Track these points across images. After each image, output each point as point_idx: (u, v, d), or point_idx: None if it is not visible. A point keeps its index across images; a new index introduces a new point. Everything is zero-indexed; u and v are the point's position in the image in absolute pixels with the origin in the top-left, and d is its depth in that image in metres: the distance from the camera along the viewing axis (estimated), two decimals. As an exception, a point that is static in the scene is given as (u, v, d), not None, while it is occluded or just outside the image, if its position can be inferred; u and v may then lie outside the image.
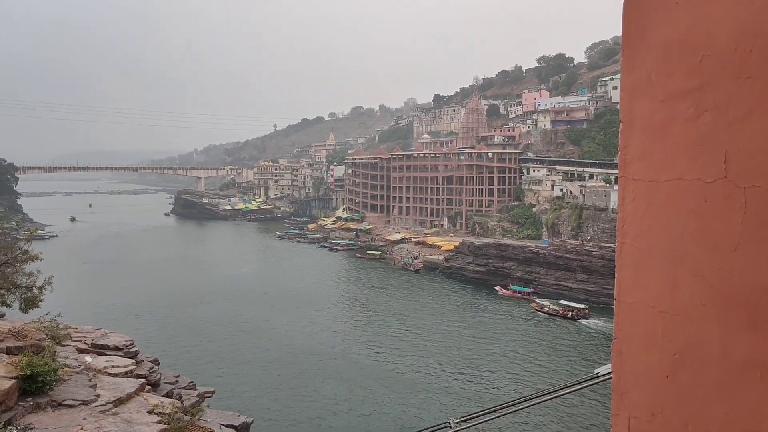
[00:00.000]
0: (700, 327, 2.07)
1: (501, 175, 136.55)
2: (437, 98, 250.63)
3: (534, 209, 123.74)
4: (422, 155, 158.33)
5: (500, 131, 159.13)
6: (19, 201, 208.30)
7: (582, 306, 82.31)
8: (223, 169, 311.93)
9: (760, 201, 1.87)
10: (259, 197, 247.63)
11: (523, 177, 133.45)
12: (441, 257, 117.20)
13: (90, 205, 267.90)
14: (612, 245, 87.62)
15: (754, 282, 1.88)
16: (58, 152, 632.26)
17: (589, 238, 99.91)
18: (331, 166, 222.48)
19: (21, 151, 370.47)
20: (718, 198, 1.99)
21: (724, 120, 1.98)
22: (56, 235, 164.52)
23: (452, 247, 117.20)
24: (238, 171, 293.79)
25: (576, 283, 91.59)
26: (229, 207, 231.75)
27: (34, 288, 34.56)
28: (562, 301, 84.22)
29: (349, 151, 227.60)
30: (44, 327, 38.29)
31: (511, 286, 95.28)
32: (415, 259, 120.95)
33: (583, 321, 78.77)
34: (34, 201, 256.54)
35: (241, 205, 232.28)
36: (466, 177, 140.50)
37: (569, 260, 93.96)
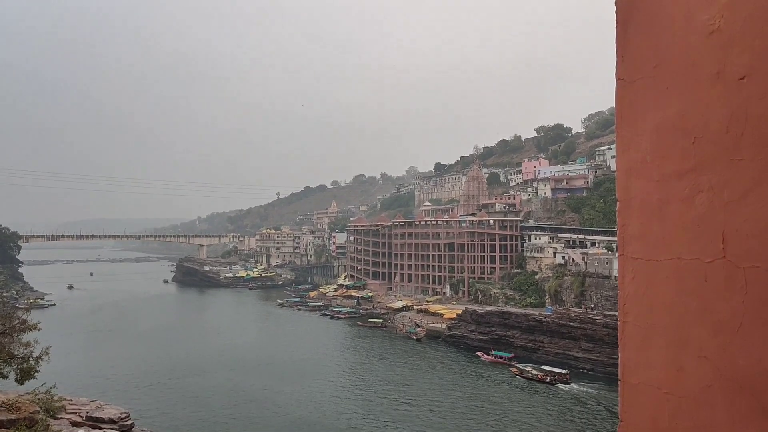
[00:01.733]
0: (708, 411, 2.00)
1: (502, 243, 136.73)
2: (438, 167, 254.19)
3: (536, 276, 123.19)
4: (424, 222, 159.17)
5: (501, 199, 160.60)
6: (20, 269, 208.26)
7: (563, 371, 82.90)
8: (226, 236, 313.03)
9: (761, 281, 1.85)
10: (261, 265, 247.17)
11: (525, 244, 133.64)
12: (443, 325, 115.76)
13: (91, 274, 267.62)
14: (617, 314, 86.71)
15: (759, 365, 1.83)
16: (62, 220, 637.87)
17: (592, 306, 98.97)
18: (333, 234, 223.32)
19: (25, 220, 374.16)
20: (718, 278, 1.97)
21: (720, 201, 1.98)
22: (54, 304, 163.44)
23: (455, 315, 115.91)
24: (241, 239, 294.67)
25: (581, 352, 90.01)
26: (230, 274, 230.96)
27: (30, 359, 34.19)
28: (543, 366, 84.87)
29: (351, 219, 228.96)
30: (39, 399, 37.60)
31: (493, 352, 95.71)
32: (418, 327, 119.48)
33: (561, 386, 79.18)
34: (36, 269, 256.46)
35: (242, 273, 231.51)
36: (468, 244, 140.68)
37: (573, 329, 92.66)
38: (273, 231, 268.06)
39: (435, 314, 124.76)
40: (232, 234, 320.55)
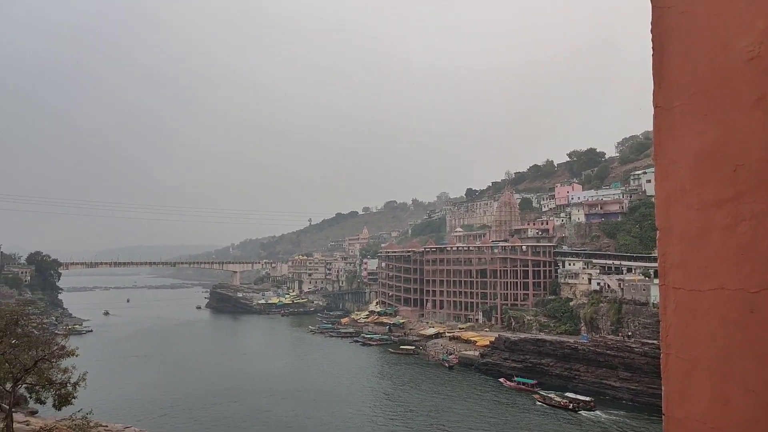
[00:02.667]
0: None
1: (536, 269, 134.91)
2: (469, 192, 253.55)
3: (571, 303, 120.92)
4: (455, 248, 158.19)
5: (533, 224, 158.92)
6: (60, 296, 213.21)
7: (587, 398, 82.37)
8: (258, 263, 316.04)
9: None
10: (293, 291, 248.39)
11: (559, 270, 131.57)
12: (476, 353, 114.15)
13: (128, 300, 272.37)
14: (655, 341, 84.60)
15: None
16: (100, 247, 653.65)
17: (630, 333, 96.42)
18: (365, 260, 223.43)
19: (65, 247, 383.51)
20: (765, 309, 1.91)
21: (764, 229, 1.92)
22: (92, 330, 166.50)
23: (488, 343, 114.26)
24: (273, 265, 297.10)
25: (618, 381, 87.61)
26: (263, 301, 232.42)
27: (68, 384, 34.87)
28: (567, 394, 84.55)
29: (383, 245, 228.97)
30: (75, 425, 38.19)
31: (515, 378, 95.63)
32: (450, 354, 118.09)
33: (585, 413, 78.47)
34: (74, 296, 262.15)
35: (274, 299, 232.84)
36: (500, 270, 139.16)
37: (610, 357, 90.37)
38: (305, 257, 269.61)
39: (467, 341, 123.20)
40: (264, 260, 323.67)
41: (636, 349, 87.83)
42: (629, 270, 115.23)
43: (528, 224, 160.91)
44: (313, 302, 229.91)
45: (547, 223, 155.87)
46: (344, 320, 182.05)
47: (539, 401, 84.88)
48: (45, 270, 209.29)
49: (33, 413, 40.71)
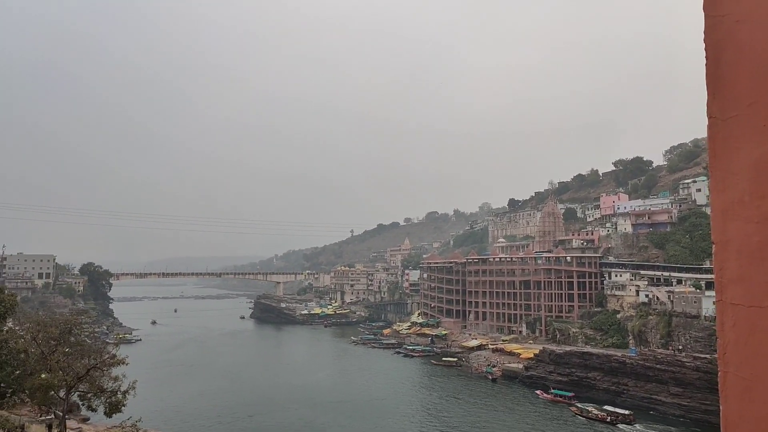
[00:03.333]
0: None
1: (581, 280, 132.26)
2: (512, 202, 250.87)
3: (618, 316, 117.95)
4: (498, 259, 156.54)
5: (578, 235, 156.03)
6: (111, 306, 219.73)
7: (626, 412, 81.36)
8: (301, 274, 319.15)
9: None
10: (336, 302, 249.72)
11: (605, 282, 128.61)
12: (520, 365, 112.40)
13: (175, 310, 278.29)
14: (708, 356, 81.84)
15: None
16: (149, 258, 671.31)
17: (681, 347, 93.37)
18: (407, 271, 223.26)
19: (116, 258, 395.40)
20: None
21: None
22: (140, 339, 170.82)
23: (532, 355, 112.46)
24: (316, 276, 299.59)
25: (669, 396, 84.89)
26: (305, 311, 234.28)
27: (118, 392, 35.86)
28: (606, 407, 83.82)
29: (424, 256, 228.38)
30: (125, 432, 39.00)
31: (552, 390, 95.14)
32: (494, 367, 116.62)
33: (623, 426, 77.78)
34: (124, 306, 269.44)
35: (317, 310, 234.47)
36: (545, 282, 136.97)
37: (660, 371, 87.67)
38: (347, 268, 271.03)
39: (511, 354, 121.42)
40: (307, 271, 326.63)
41: (687, 364, 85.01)
42: (679, 282, 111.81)
43: (572, 235, 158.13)
44: (355, 313, 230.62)
45: (592, 234, 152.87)
46: (386, 331, 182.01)
47: (576, 413, 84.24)
48: (97, 280, 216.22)
49: (85, 420, 42.00)
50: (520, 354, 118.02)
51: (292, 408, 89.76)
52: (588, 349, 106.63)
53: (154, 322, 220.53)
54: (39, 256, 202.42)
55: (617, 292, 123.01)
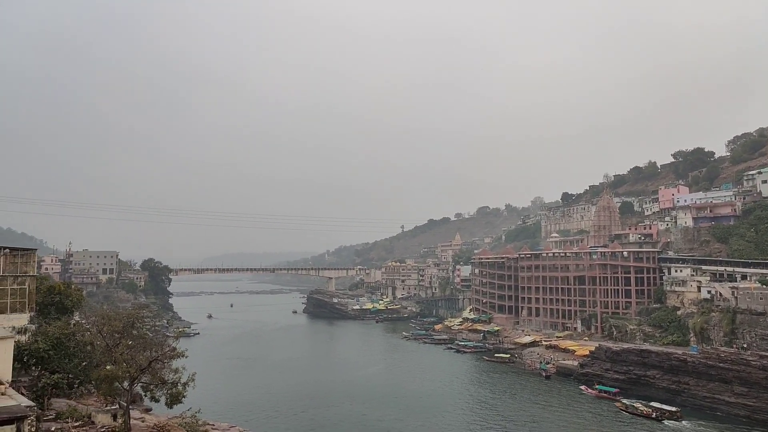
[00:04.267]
0: None
1: (638, 275, 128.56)
2: (565, 196, 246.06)
3: (678, 312, 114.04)
4: (552, 254, 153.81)
5: (635, 229, 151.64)
6: (170, 300, 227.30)
7: (673, 409, 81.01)
8: (353, 269, 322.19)
9: None
10: (387, 297, 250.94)
11: (664, 277, 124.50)
12: (575, 363, 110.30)
13: (231, 305, 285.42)
14: (775, 355, 78.27)
15: None
16: (206, 254, 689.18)
17: (745, 345, 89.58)
18: (458, 266, 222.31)
19: (174, 254, 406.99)
20: None
21: None
22: (199, 333, 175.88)
23: (587, 352, 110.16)
24: (367, 271, 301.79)
25: (733, 396, 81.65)
26: (357, 306, 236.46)
27: (179, 384, 37.05)
28: (653, 403, 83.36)
29: (476, 251, 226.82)
30: (185, 423, 40.51)
31: (596, 386, 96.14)
32: (548, 364, 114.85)
33: (668, 422, 77.49)
34: (183, 300, 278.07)
35: (369, 305, 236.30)
36: (600, 277, 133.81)
37: (723, 370, 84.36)
38: (398, 264, 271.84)
39: (566, 350, 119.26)
40: (358, 267, 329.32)
41: (753, 363, 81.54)
42: (744, 277, 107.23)
43: (629, 229, 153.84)
44: (406, 308, 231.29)
45: (650, 228, 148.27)
46: (438, 327, 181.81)
47: (621, 409, 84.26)
48: (157, 276, 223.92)
49: (147, 410, 43.55)
50: (575, 351, 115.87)
51: (345, 402, 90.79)
52: (646, 346, 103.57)
53: (210, 316, 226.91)
54: (103, 252, 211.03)
55: (677, 288, 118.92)
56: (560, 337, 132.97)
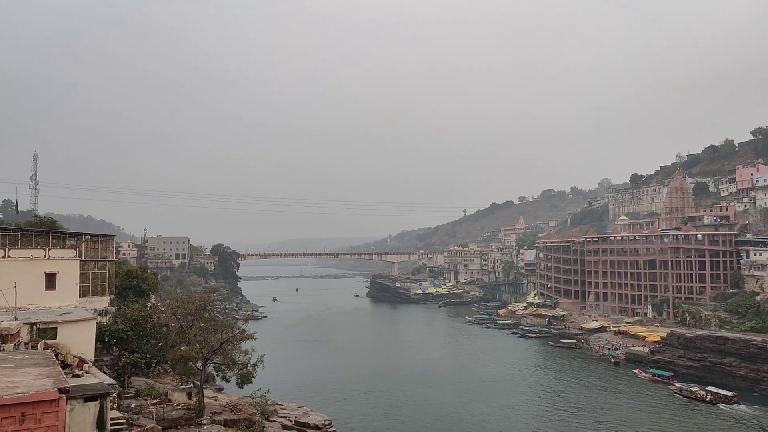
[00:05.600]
0: None
1: (714, 259, 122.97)
2: (635, 177, 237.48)
3: (757, 298, 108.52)
4: (620, 238, 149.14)
5: (710, 211, 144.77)
6: (239, 284, 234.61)
7: (729, 393, 79.80)
8: (415, 254, 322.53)
9: None
10: (449, 281, 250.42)
11: (742, 261, 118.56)
12: (645, 349, 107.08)
13: (297, 289, 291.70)
14: None
15: None
16: (272, 240, 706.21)
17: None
18: (521, 250, 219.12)
19: (242, 240, 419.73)
20: None
21: None
22: (266, 316, 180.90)
23: (658, 339, 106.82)
24: (429, 256, 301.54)
25: (819, 386, 77.36)
26: (420, 291, 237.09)
27: (248, 365, 38.38)
28: (709, 387, 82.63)
29: (540, 235, 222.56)
30: (255, 402, 42.01)
31: (650, 370, 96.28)
32: (616, 350, 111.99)
33: (722, 406, 77.09)
34: (250, 284, 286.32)
35: (431, 290, 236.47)
36: (672, 261, 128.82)
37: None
38: (460, 248, 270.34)
39: (635, 336, 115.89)
40: (420, 251, 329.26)
41: (841, 351, 76.91)
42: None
43: (703, 211, 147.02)
44: (469, 293, 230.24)
45: (726, 210, 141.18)
46: (501, 311, 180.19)
47: (675, 392, 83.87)
48: (226, 260, 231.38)
49: (219, 390, 45.35)
50: (645, 337, 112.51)
51: (410, 385, 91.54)
52: (722, 333, 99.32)
53: (274, 299, 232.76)
54: (175, 238, 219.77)
55: (756, 273, 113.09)
56: (629, 322, 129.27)
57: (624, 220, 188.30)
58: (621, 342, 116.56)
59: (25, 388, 9.09)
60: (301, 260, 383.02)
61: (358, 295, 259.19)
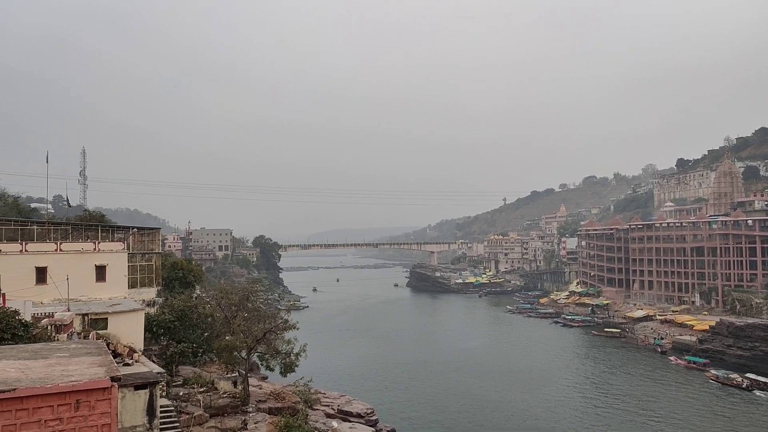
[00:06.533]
0: None
1: (765, 246, 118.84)
2: (681, 162, 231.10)
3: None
4: (666, 225, 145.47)
5: (761, 196, 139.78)
6: (280, 275, 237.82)
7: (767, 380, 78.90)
8: (454, 243, 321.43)
9: None
10: (489, 271, 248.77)
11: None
12: (693, 338, 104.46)
13: (338, 280, 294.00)
14: None
15: None
16: (312, 231, 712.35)
17: None
18: (563, 239, 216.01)
19: (283, 231, 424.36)
20: None
21: None
22: (308, 306, 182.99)
23: (707, 327, 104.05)
24: (469, 245, 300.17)
25: None
26: (460, 280, 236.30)
27: (291, 354, 39.05)
28: (748, 374, 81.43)
29: (582, 223, 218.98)
30: (299, 391, 42.68)
31: (686, 357, 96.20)
32: (663, 339, 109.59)
33: (759, 392, 76.35)
34: (291, 275, 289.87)
35: (471, 279, 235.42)
36: (721, 248, 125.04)
37: None
38: (500, 237, 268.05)
39: (682, 325, 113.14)
40: (460, 240, 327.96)
41: None
42: None
43: (754, 196, 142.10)
44: (510, 282, 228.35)
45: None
46: (543, 300, 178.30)
47: (711, 379, 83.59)
48: (268, 252, 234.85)
49: (264, 378, 46.19)
50: (692, 326, 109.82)
51: (451, 374, 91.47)
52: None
53: (314, 290, 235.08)
54: (218, 230, 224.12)
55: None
56: (676, 311, 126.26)
57: (670, 206, 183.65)
58: (667, 331, 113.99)
59: (80, 376, 9.51)
60: (341, 251, 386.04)
61: (397, 285, 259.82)
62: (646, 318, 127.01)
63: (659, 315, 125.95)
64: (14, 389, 8.82)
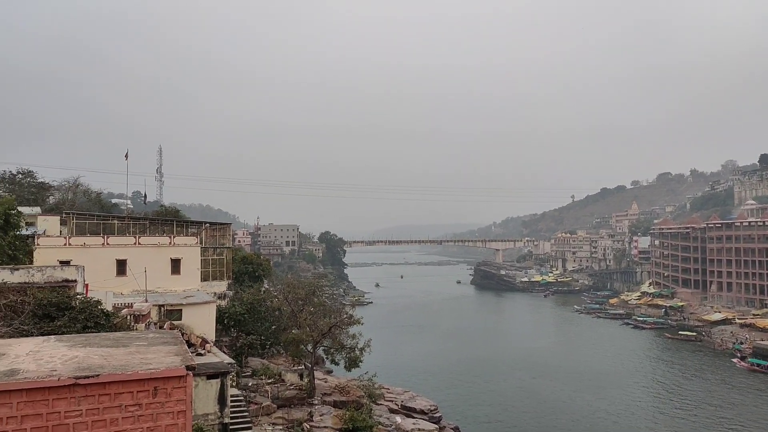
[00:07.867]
0: None
1: None
2: (764, 158, 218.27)
3: None
4: (747, 224, 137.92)
5: None
6: (345, 271, 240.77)
7: None
8: (520, 241, 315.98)
9: None
10: (556, 269, 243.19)
11: None
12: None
13: (401, 276, 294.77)
14: None
15: None
16: (376, 227, 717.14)
17: None
18: (635, 237, 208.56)
19: (347, 228, 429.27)
20: None
21: None
22: (372, 302, 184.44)
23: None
24: (535, 243, 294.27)
25: None
26: (525, 279, 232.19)
27: (356, 349, 39.55)
28: None
29: (655, 221, 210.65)
30: (363, 385, 43.19)
31: (749, 359, 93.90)
32: (742, 344, 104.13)
33: None
34: (356, 271, 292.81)
35: (538, 277, 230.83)
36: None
37: None
38: (568, 235, 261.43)
39: (764, 330, 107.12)
40: (526, 238, 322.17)
41: None
42: None
43: None
44: (578, 281, 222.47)
45: None
46: (613, 301, 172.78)
47: None
48: (333, 247, 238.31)
49: (329, 372, 47.05)
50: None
51: (517, 373, 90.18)
52: None
53: (377, 285, 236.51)
54: (285, 226, 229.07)
55: None
56: (758, 314, 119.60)
57: (752, 204, 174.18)
58: (747, 335, 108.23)
59: (158, 364, 10.00)
60: (405, 247, 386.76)
61: (459, 282, 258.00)
62: (724, 321, 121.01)
63: (738, 318, 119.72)
64: (98, 375, 9.37)
